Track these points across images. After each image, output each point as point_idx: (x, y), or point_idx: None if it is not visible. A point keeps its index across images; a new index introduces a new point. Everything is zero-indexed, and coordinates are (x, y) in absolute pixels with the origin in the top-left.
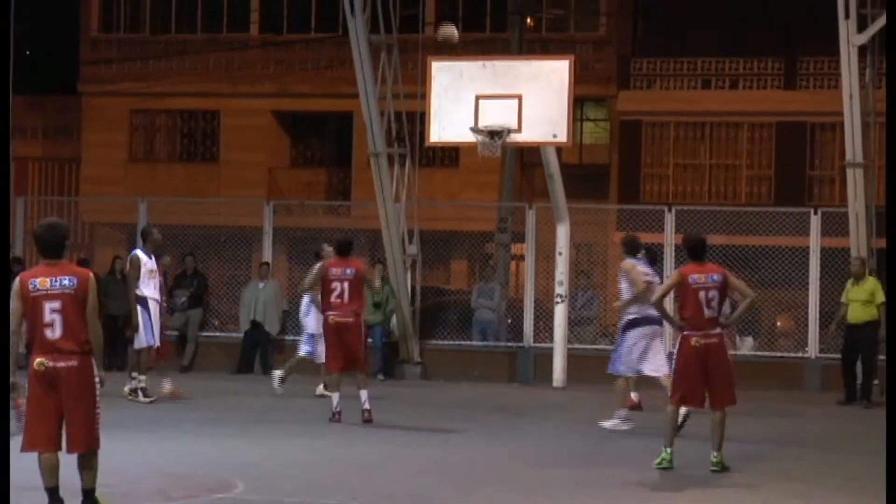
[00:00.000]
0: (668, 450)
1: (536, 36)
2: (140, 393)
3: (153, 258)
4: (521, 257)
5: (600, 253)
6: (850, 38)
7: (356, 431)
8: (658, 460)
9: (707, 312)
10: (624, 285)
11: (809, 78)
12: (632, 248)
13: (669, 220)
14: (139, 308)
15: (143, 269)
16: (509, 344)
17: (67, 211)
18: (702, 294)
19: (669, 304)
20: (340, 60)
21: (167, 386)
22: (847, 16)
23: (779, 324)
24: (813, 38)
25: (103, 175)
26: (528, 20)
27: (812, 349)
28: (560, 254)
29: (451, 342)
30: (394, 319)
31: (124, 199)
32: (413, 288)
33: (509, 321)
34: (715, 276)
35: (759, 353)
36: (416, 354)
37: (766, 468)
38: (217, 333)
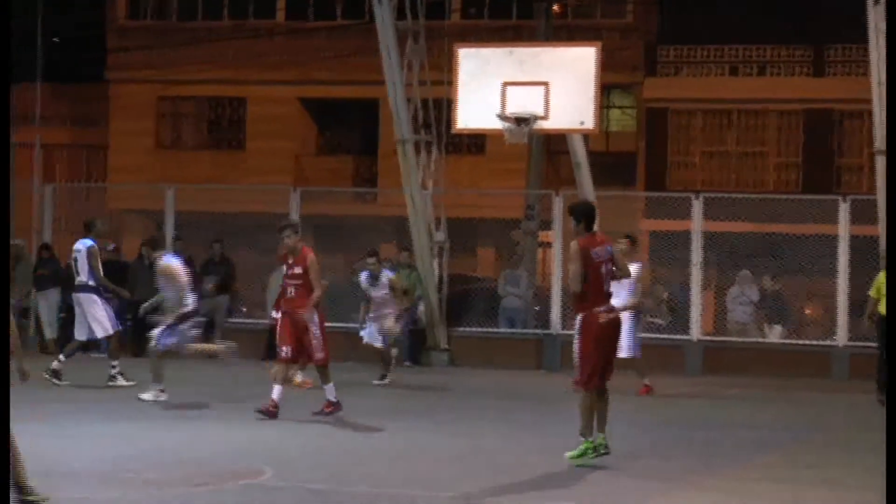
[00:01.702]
0: (589, 439)
1: (562, 23)
2: (119, 378)
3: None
4: (548, 245)
5: None
6: (879, 25)
7: (382, 419)
8: (577, 452)
9: (606, 286)
10: (167, 287)
11: (838, 65)
12: (155, 245)
13: (697, 207)
14: (98, 298)
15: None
16: (536, 331)
17: (95, 198)
18: (603, 268)
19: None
20: (366, 48)
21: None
22: (876, 2)
23: (807, 312)
24: (841, 24)
25: (130, 162)
26: (554, 7)
27: (840, 337)
28: None
29: (479, 329)
30: (421, 306)
31: (151, 186)
32: (440, 275)
33: (536, 308)
34: (609, 248)
35: (787, 340)
36: (444, 341)
37: (781, 457)
38: (244, 320)
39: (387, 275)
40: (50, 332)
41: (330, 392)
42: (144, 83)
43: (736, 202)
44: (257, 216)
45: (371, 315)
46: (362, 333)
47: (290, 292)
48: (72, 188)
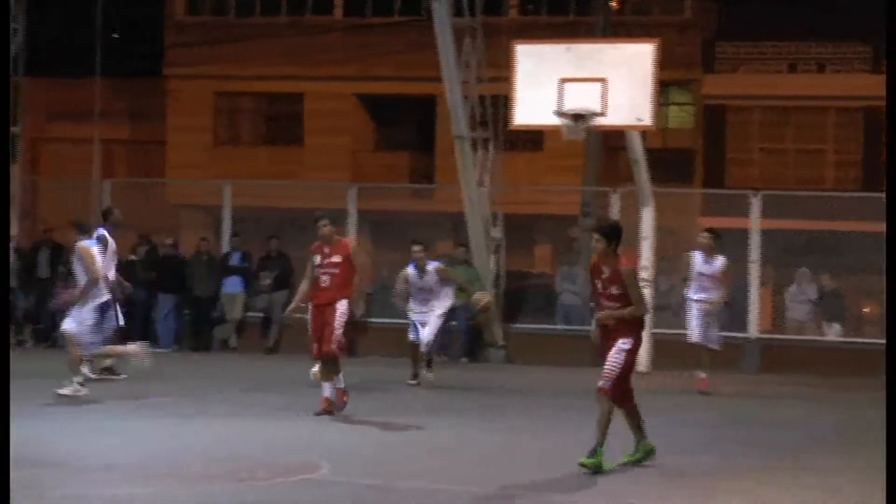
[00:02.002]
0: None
1: (620, 19)
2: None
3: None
4: None
5: (685, 238)
6: None
7: (437, 416)
8: (595, 460)
9: None
10: (79, 269)
11: None
12: (82, 229)
13: (756, 204)
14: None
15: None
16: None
17: (153, 194)
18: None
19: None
20: (424, 44)
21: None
22: None
23: (866, 310)
24: None
25: (188, 158)
26: (612, 3)
27: None
28: (645, 239)
29: (535, 326)
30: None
31: (209, 181)
32: (497, 272)
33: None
34: None
35: (845, 339)
36: (500, 338)
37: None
38: (302, 315)
39: (433, 265)
40: None
41: (340, 382)
42: (202, 79)
43: (794, 200)
44: (314, 212)
45: (417, 309)
46: (412, 335)
47: (325, 281)
48: (130, 184)
